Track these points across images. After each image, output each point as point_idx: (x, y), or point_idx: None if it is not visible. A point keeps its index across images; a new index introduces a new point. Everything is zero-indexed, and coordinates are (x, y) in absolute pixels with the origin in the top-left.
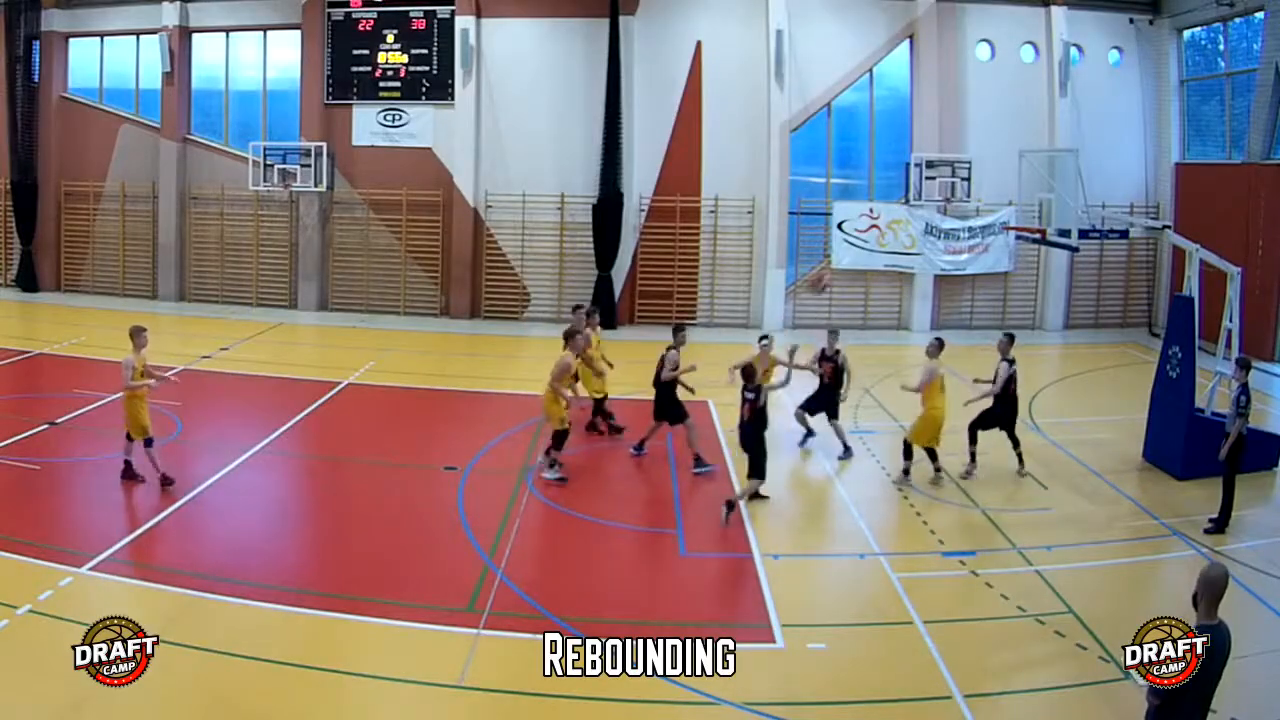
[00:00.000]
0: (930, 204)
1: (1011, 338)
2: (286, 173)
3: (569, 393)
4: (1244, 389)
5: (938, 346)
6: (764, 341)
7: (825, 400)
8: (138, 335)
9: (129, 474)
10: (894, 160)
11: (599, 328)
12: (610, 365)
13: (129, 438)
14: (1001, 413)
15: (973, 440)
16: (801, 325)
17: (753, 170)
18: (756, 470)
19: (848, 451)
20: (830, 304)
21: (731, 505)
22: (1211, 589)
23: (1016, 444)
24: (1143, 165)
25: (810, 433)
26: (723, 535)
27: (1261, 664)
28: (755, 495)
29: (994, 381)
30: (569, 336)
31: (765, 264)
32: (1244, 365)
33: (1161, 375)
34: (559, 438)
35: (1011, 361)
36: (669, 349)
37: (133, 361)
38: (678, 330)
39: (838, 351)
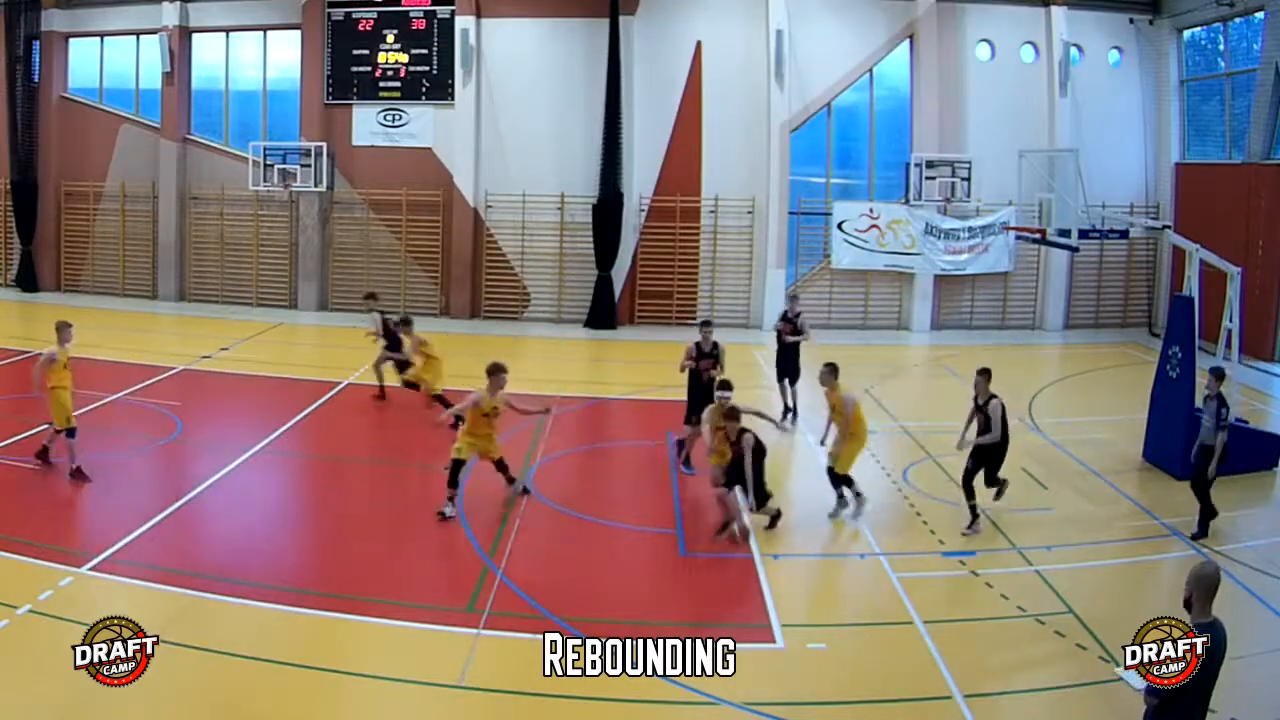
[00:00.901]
0: (930, 204)
1: (987, 373)
2: (286, 173)
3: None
4: (1221, 400)
5: (834, 372)
6: (725, 395)
7: (787, 363)
8: (64, 330)
9: (78, 474)
10: (894, 160)
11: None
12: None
13: (61, 432)
14: (994, 454)
15: (970, 494)
16: None
17: (753, 170)
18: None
19: (793, 416)
20: (830, 304)
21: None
22: (1204, 587)
23: (1000, 486)
24: (1143, 165)
25: (789, 409)
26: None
27: (1261, 664)
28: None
29: (989, 426)
30: (491, 373)
31: (765, 264)
32: (1219, 375)
33: (1161, 375)
34: (452, 469)
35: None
36: (695, 342)
37: (55, 355)
38: (704, 325)
39: (798, 314)
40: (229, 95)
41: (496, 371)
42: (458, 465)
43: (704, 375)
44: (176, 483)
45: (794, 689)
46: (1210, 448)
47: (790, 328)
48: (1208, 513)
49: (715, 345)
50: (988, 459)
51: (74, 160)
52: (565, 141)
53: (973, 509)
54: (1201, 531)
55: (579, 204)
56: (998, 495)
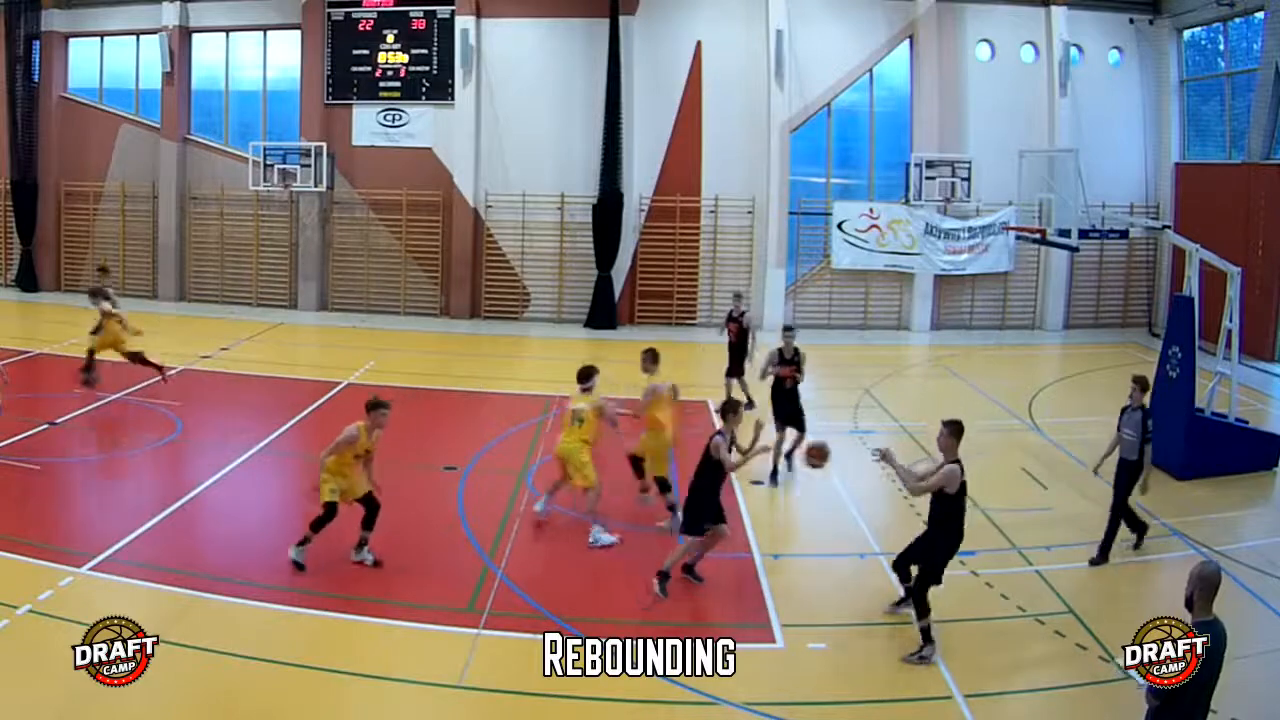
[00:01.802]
0: (930, 204)
1: (956, 428)
2: (286, 173)
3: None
4: (1146, 412)
5: (653, 359)
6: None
7: (733, 360)
8: None
9: None
10: (894, 160)
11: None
12: (138, 333)
13: None
14: (941, 540)
15: (904, 578)
16: (801, 325)
17: (753, 170)
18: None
19: (750, 405)
20: (830, 304)
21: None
22: (1205, 586)
23: (921, 598)
24: (1143, 165)
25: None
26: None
27: (1261, 664)
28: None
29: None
30: (371, 408)
31: (765, 264)
32: (1142, 385)
33: (1161, 375)
34: (323, 516)
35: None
36: (777, 349)
37: None
38: (786, 330)
39: (743, 314)
40: (229, 95)
41: (377, 407)
42: (331, 510)
43: (787, 382)
44: (176, 483)
45: (794, 689)
46: (1134, 463)
47: (736, 328)
48: (1112, 535)
49: (796, 351)
50: (927, 546)
51: (74, 160)
52: (565, 141)
53: (907, 592)
54: (1101, 557)
55: (579, 204)
56: (917, 611)
